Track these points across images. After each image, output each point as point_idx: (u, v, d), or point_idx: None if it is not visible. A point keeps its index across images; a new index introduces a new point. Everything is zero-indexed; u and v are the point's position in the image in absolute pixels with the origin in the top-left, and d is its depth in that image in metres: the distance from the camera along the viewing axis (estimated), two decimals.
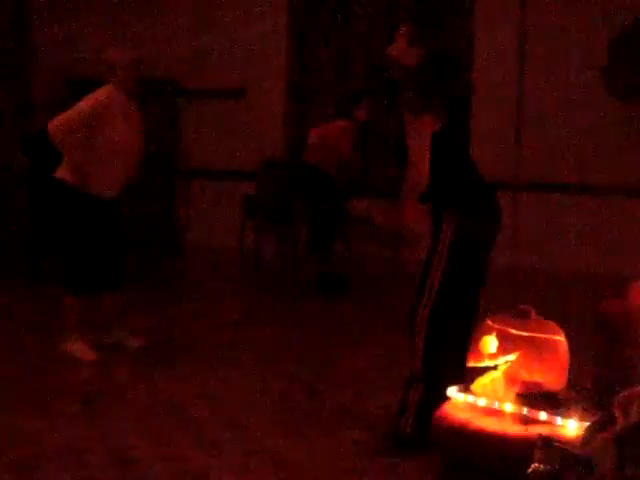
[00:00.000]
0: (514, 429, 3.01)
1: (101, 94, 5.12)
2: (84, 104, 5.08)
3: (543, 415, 3.05)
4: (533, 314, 3.35)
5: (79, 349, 5.26)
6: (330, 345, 6.01)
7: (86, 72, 9.36)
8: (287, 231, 8.82)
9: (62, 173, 5.18)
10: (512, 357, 3.21)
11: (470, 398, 3.25)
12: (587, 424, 2.80)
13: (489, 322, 3.33)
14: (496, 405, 3.16)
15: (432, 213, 3.81)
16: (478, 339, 3.31)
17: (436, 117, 3.68)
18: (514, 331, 3.24)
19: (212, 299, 7.44)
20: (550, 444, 2.67)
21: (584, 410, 3.02)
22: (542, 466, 2.63)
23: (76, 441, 3.94)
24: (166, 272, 8.63)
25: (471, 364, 3.31)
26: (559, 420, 3.02)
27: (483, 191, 3.84)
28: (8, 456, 3.73)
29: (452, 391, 3.32)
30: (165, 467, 3.67)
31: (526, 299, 3.73)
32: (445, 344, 3.69)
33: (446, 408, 3.22)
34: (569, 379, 3.30)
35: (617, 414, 2.63)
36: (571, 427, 2.98)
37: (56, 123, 5.02)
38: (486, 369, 3.28)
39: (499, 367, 3.23)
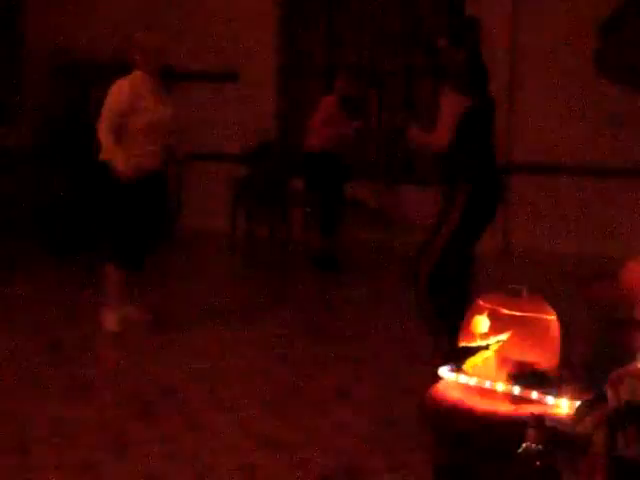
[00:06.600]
0: (506, 409, 3.01)
1: (124, 83, 5.42)
2: (112, 100, 5.38)
3: (535, 394, 3.04)
4: (525, 294, 3.34)
5: (109, 319, 5.52)
6: (322, 327, 6.01)
7: (73, 57, 9.36)
8: (280, 214, 8.81)
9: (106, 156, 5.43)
10: (504, 337, 3.20)
11: (462, 378, 3.24)
12: (579, 403, 2.80)
13: (481, 302, 3.32)
14: (488, 385, 3.15)
15: (445, 181, 4.73)
16: (470, 319, 3.30)
17: (463, 98, 4.51)
18: (506, 310, 3.23)
19: (202, 282, 7.42)
20: (542, 423, 2.67)
21: (576, 389, 3.01)
22: (534, 445, 2.63)
23: (68, 422, 3.94)
24: (157, 255, 8.60)
25: (463, 344, 3.30)
26: (551, 399, 3.01)
27: (494, 170, 4.81)
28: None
29: (444, 371, 3.32)
30: (158, 449, 3.67)
31: (518, 280, 3.73)
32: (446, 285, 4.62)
33: (438, 388, 3.21)
34: (561, 358, 3.29)
35: (608, 393, 2.62)
36: (563, 406, 2.97)
37: (100, 129, 5.33)
38: (478, 349, 3.26)
39: (491, 347, 3.22)
